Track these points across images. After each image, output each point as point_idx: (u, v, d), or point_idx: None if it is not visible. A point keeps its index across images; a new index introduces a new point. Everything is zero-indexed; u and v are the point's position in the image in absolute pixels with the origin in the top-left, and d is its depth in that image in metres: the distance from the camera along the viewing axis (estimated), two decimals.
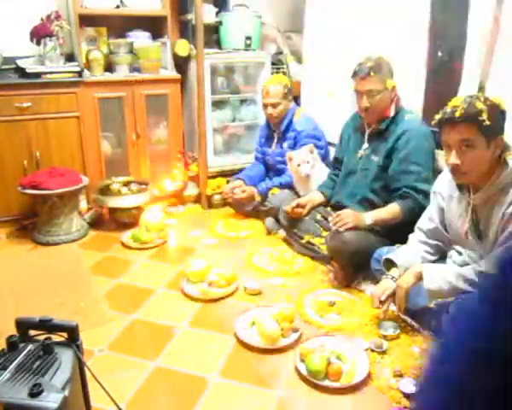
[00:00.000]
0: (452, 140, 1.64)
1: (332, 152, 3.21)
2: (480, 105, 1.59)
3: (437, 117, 1.68)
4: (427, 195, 2.19)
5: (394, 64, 2.59)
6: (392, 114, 2.32)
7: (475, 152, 1.61)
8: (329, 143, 3.21)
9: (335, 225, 2.27)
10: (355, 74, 2.33)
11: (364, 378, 1.69)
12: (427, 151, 2.26)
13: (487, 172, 1.66)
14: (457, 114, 1.60)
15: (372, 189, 2.38)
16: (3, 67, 3.12)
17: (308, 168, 2.78)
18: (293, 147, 3.06)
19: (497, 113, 1.61)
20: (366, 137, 2.43)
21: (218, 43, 3.77)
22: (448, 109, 1.65)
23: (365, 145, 2.43)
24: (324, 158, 3.11)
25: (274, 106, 3.05)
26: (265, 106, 3.09)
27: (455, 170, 1.67)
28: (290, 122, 3.10)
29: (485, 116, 1.57)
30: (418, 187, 2.22)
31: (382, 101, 2.30)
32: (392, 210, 2.28)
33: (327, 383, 1.68)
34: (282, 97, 3.05)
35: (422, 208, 2.13)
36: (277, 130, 3.17)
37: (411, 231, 2.06)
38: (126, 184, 3.24)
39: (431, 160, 2.26)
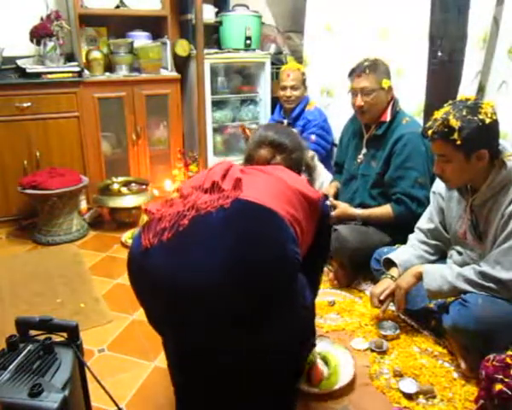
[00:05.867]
0: (434, 151, 1.70)
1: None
2: (454, 122, 1.56)
3: (420, 129, 1.72)
4: (421, 202, 2.20)
5: (394, 64, 2.60)
6: (388, 118, 2.30)
7: (452, 165, 1.64)
8: (333, 144, 3.22)
9: None
10: (351, 73, 2.34)
11: (344, 386, 1.64)
12: (424, 155, 2.23)
13: (478, 176, 1.66)
14: (430, 132, 1.64)
15: (371, 195, 2.37)
16: (3, 67, 3.12)
17: None
18: (301, 134, 3.07)
19: (477, 128, 1.55)
20: (364, 142, 2.42)
21: (218, 43, 3.77)
22: (428, 124, 1.67)
23: (364, 150, 2.42)
24: (329, 155, 3.12)
25: (294, 88, 3.08)
26: (284, 88, 3.09)
27: (440, 177, 1.74)
28: (302, 111, 3.12)
29: (456, 136, 1.56)
30: (413, 194, 2.22)
31: (377, 100, 2.28)
32: (384, 210, 2.30)
33: (305, 387, 1.62)
34: (300, 82, 3.10)
35: (415, 216, 2.14)
36: (288, 117, 3.18)
37: (411, 231, 2.06)
38: (126, 184, 3.24)
39: (428, 163, 2.24)
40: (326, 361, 1.73)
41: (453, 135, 1.57)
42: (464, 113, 1.58)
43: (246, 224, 1.17)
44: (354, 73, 2.32)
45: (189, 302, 1.11)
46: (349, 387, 1.66)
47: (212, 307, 1.10)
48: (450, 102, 1.68)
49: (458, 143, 1.57)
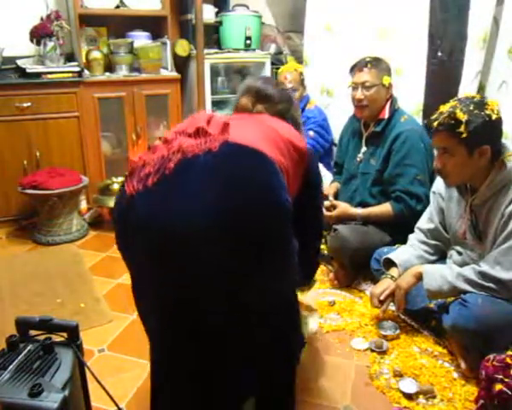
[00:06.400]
0: (435, 145, 1.71)
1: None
2: (461, 115, 1.57)
3: (425, 121, 1.72)
4: (420, 199, 2.20)
5: (393, 64, 2.60)
6: (387, 115, 2.31)
7: (454, 159, 1.64)
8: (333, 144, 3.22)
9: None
10: (353, 68, 2.35)
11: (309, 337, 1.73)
12: (423, 152, 2.24)
13: (478, 175, 1.67)
14: (436, 123, 1.63)
15: (370, 193, 2.38)
16: (3, 67, 3.12)
17: None
18: None
19: (483, 123, 1.56)
20: (364, 140, 2.43)
21: (218, 43, 3.77)
22: (434, 116, 1.67)
23: (363, 149, 2.43)
24: (328, 154, 3.12)
25: (292, 90, 3.07)
26: None
27: (439, 172, 1.74)
28: (302, 110, 3.11)
29: (462, 128, 1.56)
30: (412, 191, 2.22)
31: (377, 95, 2.29)
32: (384, 209, 2.30)
33: None
34: (299, 83, 3.10)
35: (414, 213, 2.15)
36: None
37: (411, 230, 2.06)
38: None
39: (427, 161, 2.25)
40: None
41: (459, 127, 1.57)
42: (471, 107, 1.59)
43: (235, 167, 1.12)
44: (356, 67, 2.33)
45: (176, 246, 1.06)
46: (347, 388, 1.67)
47: (201, 251, 1.05)
48: (456, 98, 1.69)
49: (464, 135, 1.57)
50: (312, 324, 1.76)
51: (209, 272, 1.07)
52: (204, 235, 1.04)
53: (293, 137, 1.31)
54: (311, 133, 3.02)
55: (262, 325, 1.16)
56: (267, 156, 1.15)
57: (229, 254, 1.05)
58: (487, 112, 1.57)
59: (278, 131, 1.28)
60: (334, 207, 2.38)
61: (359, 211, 2.34)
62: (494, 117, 1.58)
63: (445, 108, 1.64)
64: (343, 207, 2.37)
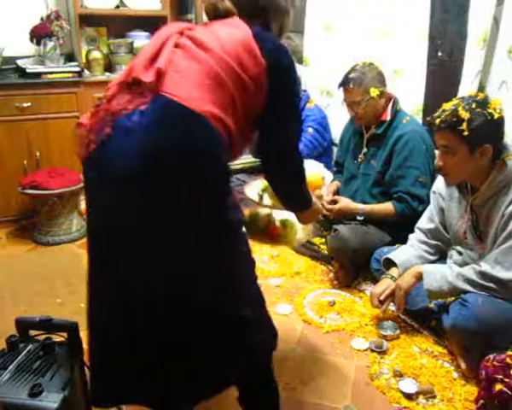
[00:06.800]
0: (437, 143, 1.71)
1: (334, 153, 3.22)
2: (463, 113, 1.57)
3: (427, 119, 1.73)
4: (421, 200, 2.20)
5: (393, 64, 2.60)
6: (388, 117, 2.31)
7: (455, 158, 1.64)
8: (333, 144, 3.22)
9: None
10: (339, 86, 2.35)
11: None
12: (425, 154, 2.24)
13: (479, 175, 1.67)
14: (438, 121, 1.63)
15: (371, 193, 2.38)
16: (3, 67, 3.12)
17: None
18: None
19: (485, 122, 1.57)
20: (365, 141, 2.42)
21: None
22: (436, 113, 1.67)
23: (364, 150, 2.42)
24: (326, 153, 3.12)
25: None
26: None
27: (440, 170, 1.75)
28: (302, 109, 3.11)
29: (464, 126, 1.56)
30: (414, 192, 2.22)
31: (368, 108, 2.28)
32: (386, 207, 2.30)
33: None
34: None
35: (415, 214, 2.15)
36: None
37: (412, 230, 2.06)
38: None
39: (429, 162, 2.25)
40: (284, 224, 1.72)
41: (461, 125, 1.57)
42: (474, 106, 1.58)
43: (166, 129, 1.06)
44: (341, 86, 2.33)
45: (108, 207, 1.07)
46: (349, 386, 1.66)
47: (132, 207, 1.04)
48: (459, 96, 1.69)
49: (465, 133, 1.57)
50: (300, 232, 1.75)
51: (147, 229, 1.05)
52: (134, 193, 1.04)
53: (246, 60, 1.14)
54: (310, 130, 3.03)
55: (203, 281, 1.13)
56: (200, 115, 1.07)
57: (161, 207, 1.05)
58: (489, 111, 1.57)
59: (231, 57, 1.13)
60: (335, 201, 2.38)
61: (361, 206, 2.34)
62: (496, 116, 1.58)
63: (447, 106, 1.64)
64: (345, 201, 2.36)
